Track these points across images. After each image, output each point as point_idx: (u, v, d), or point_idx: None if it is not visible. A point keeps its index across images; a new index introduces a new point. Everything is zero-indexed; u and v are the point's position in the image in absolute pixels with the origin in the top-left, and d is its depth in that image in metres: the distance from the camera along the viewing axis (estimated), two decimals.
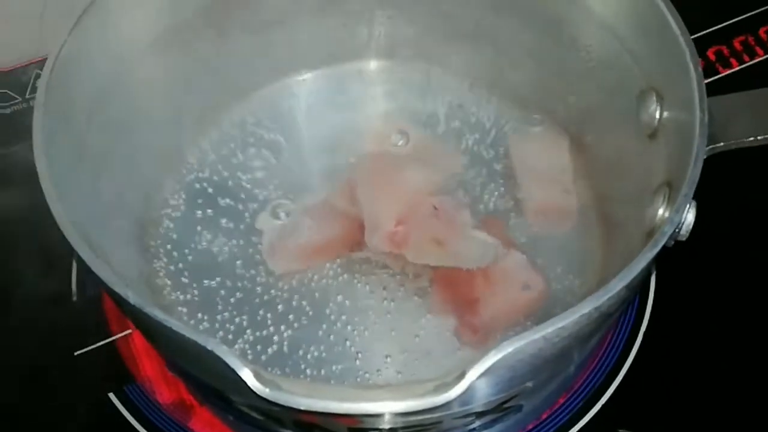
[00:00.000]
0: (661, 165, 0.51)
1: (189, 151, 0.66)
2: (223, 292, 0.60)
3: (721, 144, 0.50)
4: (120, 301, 0.42)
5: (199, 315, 0.59)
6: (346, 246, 0.60)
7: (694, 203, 0.45)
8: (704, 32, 0.78)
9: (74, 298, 0.63)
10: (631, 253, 0.44)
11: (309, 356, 0.57)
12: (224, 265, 0.61)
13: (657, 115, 0.53)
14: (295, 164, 0.66)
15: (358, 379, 0.56)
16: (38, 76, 0.69)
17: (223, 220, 0.63)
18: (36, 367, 0.61)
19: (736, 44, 0.77)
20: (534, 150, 0.65)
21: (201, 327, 0.58)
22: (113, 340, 0.61)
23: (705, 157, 0.46)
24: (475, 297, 0.57)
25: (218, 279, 0.60)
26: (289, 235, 0.60)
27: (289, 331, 0.58)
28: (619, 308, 0.45)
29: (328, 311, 0.59)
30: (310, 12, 0.66)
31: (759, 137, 0.51)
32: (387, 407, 0.38)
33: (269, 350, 0.57)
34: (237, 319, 0.59)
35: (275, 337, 0.58)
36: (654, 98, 0.53)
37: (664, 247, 0.44)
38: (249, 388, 0.38)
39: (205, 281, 0.60)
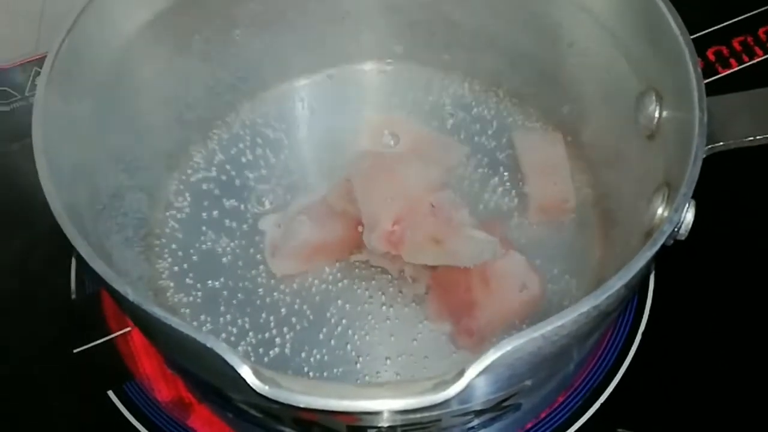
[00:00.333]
0: (660, 164, 0.51)
1: (196, 152, 0.66)
2: (226, 293, 0.60)
3: (720, 144, 0.50)
4: (119, 299, 0.42)
5: (202, 317, 0.59)
6: (345, 246, 0.61)
7: (693, 202, 0.45)
8: (704, 32, 0.78)
9: (73, 296, 0.64)
10: (631, 252, 0.44)
11: (311, 359, 0.57)
12: (228, 266, 0.61)
13: (656, 115, 0.53)
14: (298, 165, 0.66)
15: (358, 381, 0.56)
16: (38, 73, 0.69)
17: (227, 221, 0.63)
18: (35, 364, 0.61)
19: (736, 44, 0.77)
20: (534, 145, 0.65)
21: (204, 329, 0.58)
22: (112, 338, 0.62)
23: (704, 156, 0.46)
24: (472, 300, 0.57)
25: (222, 280, 0.60)
26: (290, 235, 0.60)
27: (291, 334, 0.58)
28: (618, 307, 0.45)
29: (328, 315, 0.59)
30: (313, 13, 0.66)
31: (758, 137, 0.51)
32: (386, 405, 0.38)
33: (272, 353, 0.57)
34: (240, 321, 0.59)
35: (277, 340, 0.58)
36: (653, 98, 0.53)
37: (663, 246, 0.44)
38: (248, 385, 0.38)
39: (209, 282, 0.60)
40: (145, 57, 0.59)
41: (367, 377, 0.57)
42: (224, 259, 0.62)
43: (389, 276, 0.60)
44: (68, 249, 0.44)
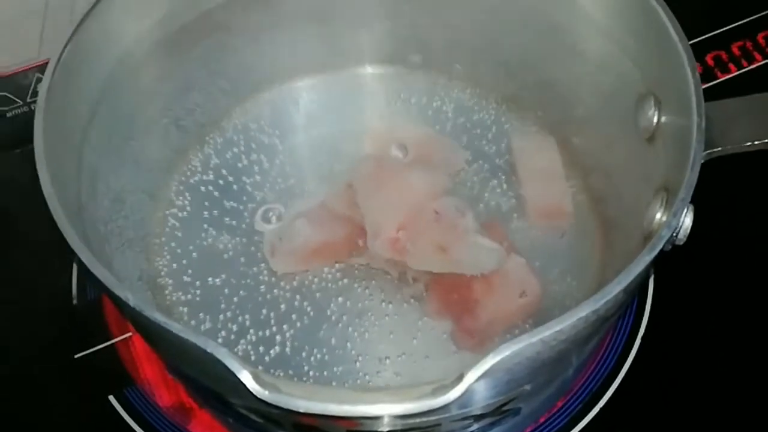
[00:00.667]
0: (659, 169, 0.52)
1: (193, 156, 0.66)
2: (226, 290, 0.60)
3: (719, 149, 0.50)
4: (120, 304, 0.43)
5: (201, 315, 0.59)
6: (344, 249, 0.61)
7: (691, 207, 0.45)
8: (703, 37, 0.78)
9: (74, 301, 0.64)
10: (630, 256, 0.44)
11: (312, 358, 0.57)
12: (228, 262, 0.61)
13: (655, 120, 0.53)
14: (295, 169, 0.66)
15: (358, 381, 0.57)
16: (39, 79, 0.70)
17: (227, 219, 0.63)
18: (36, 369, 0.61)
19: (735, 49, 0.77)
20: (530, 149, 0.65)
21: (203, 327, 0.58)
22: (113, 343, 0.62)
23: (702, 161, 0.46)
24: (472, 301, 0.57)
25: (222, 277, 0.61)
26: (289, 236, 0.61)
27: (292, 332, 0.58)
28: (616, 312, 0.46)
29: (329, 312, 0.59)
30: (311, 17, 0.66)
31: (756, 142, 0.51)
32: (385, 410, 0.38)
33: (272, 351, 0.58)
34: (240, 319, 0.59)
35: (278, 338, 0.58)
36: (652, 103, 0.53)
37: (662, 250, 0.44)
38: (248, 390, 0.38)
39: (209, 279, 0.61)
40: (145, 63, 0.59)
41: (366, 376, 0.57)
42: (225, 256, 0.62)
43: (389, 276, 0.60)
44: (69, 254, 0.44)
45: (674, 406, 0.58)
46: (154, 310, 0.41)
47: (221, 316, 0.59)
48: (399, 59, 0.70)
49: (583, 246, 0.61)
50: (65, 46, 0.52)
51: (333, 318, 0.59)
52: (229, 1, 0.62)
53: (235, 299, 0.60)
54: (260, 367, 0.55)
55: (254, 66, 0.67)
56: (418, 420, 0.41)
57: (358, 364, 0.57)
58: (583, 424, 0.57)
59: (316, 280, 0.60)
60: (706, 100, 0.48)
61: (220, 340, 0.57)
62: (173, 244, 0.62)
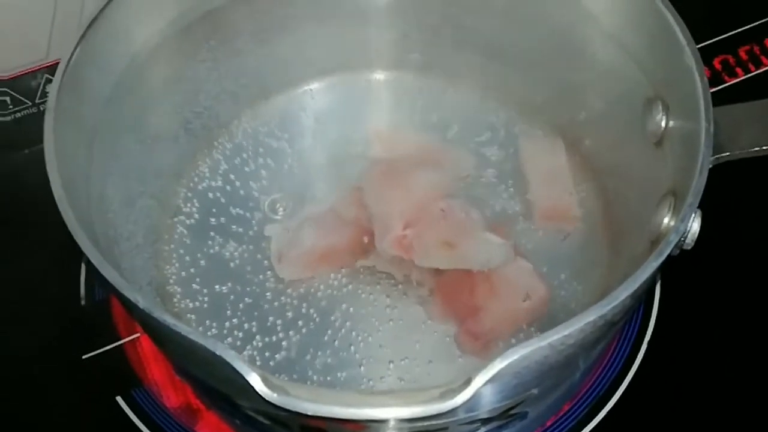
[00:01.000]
0: (666, 174, 0.52)
1: (201, 161, 0.66)
2: (232, 297, 0.60)
3: (727, 154, 0.50)
4: (129, 306, 0.43)
5: (208, 322, 0.59)
6: (351, 253, 0.61)
7: (699, 212, 0.45)
8: (710, 41, 0.78)
9: (83, 302, 0.64)
10: (636, 261, 0.44)
11: (316, 362, 0.57)
12: (235, 270, 0.61)
13: (663, 124, 0.53)
14: (303, 173, 0.66)
15: (362, 386, 0.57)
16: (48, 80, 0.70)
17: (234, 227, 0.63)
18: (44, 370, 0.61)
19: (742, 53, 0.77)
20: (537, 152, 0.65)
21: (210, 333, 0.59)
22: (121, 344, 0.62)
23: (710, 166, 0.46)
24: (477, 305, 0.57)
25: (229, 284, 0.61)
26: (296, 242, 0.61)
27: (297, 337, 0.58)
28: (624, 316, 0.46)
29: (333, 318, 0.59)
30: (319, 21, 0.66)
31: (764, 147, 0.51)
32: (393, 413, 0.38)
33: (277, 356, 0.58)
34: (246, 326, 0.59)
35: (284, 343, 0.58)
36: (660, 107, 0.53)
37: (669, 255, 0.44)
38: (257, 393, 0.38)
39: (216, 287, 0.61)
40: (154, 65, 0.59)
41: (371, 381, 0.57)
42: (232, 264, 0.62)
43: (393, 280, 0.60)
44: (78, 256, 0.44)
45: (681, 411, 0.58)
46: (163, 312, 0.41)
47: (227, 323, 0.59)
48: (407, 63, 0.70)
49: (589, 250, 0.61)
50: (75, 48, 0.52)
51: (337, 323, 0.59)
52: (236, 4, 0.62)
53: (242, 306, 0.60)
54: (266, 372, 0.56)
55: (262, 69, 0.67)
56: (425, 423, 0.41)
57: (362, 368, 0.57)
58: (590, 428, 0.57)
59: (321, 286, 0.60)
60: (713, 105, 0.48)
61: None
62: (182, 251, 0.62)
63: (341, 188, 0.64)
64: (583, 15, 0.59)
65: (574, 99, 0.63)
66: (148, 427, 0.58)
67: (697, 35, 0.51)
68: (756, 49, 0.77)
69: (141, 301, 0.41)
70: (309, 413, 0.38)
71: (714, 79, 0.75)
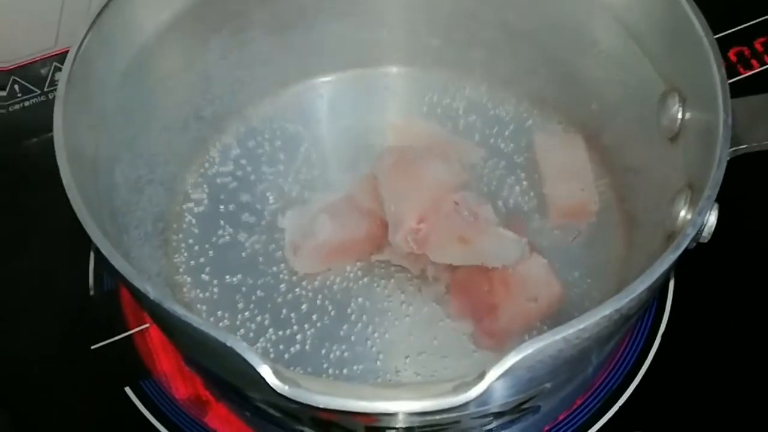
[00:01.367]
0: (682, 166, 0.51)
1: (212, 146, 0.66)
2: (244, 289, 0.60)
3: (744, 146, 0.49)
4: (139, 296, 0.42)
5: (219, 313, 0.59)
6: (367, 246, 0.60)
7: (716, 205, 0.45)
8: (725, 33, 0.77)
9: (91, 293, 0.64)
10: (652, 255, 0.43)
11: (331, 355, 0.57)
12: (246, 261, 0.61)
13: (679, 116, 0.52)
14: (318, 163, 0.66)
15: (379, 379, 0.56)
16: (57, 69, 0.70)
17: (245, 215, 0.63)
18: (53, 360, 0.61)
19: (757, 45, 0.77)
20: (554, 148, 0.65)
21: (221, 325, 0.58)
22: (130, 335, 0.62)
23: (728, 159, 0.45)
24: (493, 302, 0.57)
25: (239, 276, 0.60)
26: (311, 234, 0.60)
27: (312, 330, 0.58)
28: (639, 310, 0.45)
29: (349, 311, 0.59)
30: (332, 14, 0.66)
31: None
32: (405, 407, 0.38)
33: (292, 349, 0.57)
34: (259, 318, 0.59)
35: (298, 336, 0.58)
36: (676, 99, 0.53)
37: (686, 249, 0.43)
38: (268, 385, 0.38)
39: (227, 278, 0.60)
40: (164, 53, 0.59)
41: (387, 375, 0.56)
42: (243, 254, 0.61)
43: (409, 274, 0.60)
44: (86, 245, 0.44)
45: (694, 405, 0.58)
46: (173, 302, 0.40)
47: (239, 315, 0.59)
48: (420, 56, 0.69)
49: (605, 246, 0.60)
50: (85, 36, 0.51)
51: (353, 317, 0.59)
52: None
53: (254, 298, 0.59)
54: (279, 365, 0.55)
55: (274, 60, 0.67)
56: (438, 417, 0.41)
57: (378, 362, 0.57)
58: (603, 422, 0.57)
59: (337, 279, 0.60)
60: (730, 96, 0.47)
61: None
62: (191, 241, 0.62)
63: (356, 178, 0.63)
64: (598, 6, 0.58)
65: (589, 92, 0.63)
66: (156, 418, 0.58)
67: (712, 27, 0.50)
68: None
69: (151, 291, 0.41)
70: (321, 406, 0.38)
71: (729, 71, 0.74)
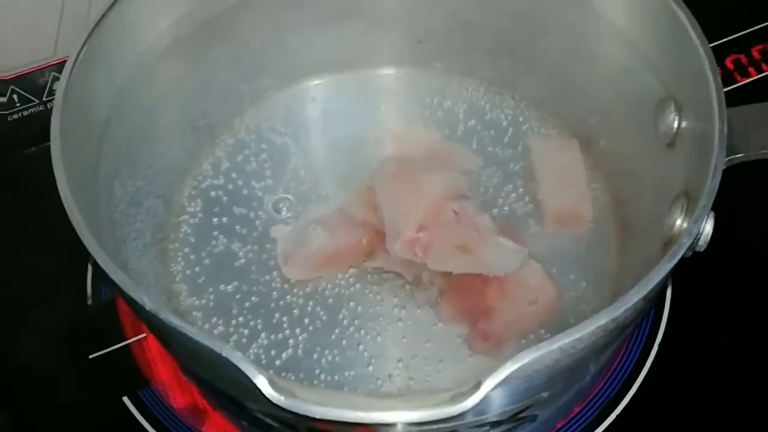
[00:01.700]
0: (679, 174, 0.51)
1: (204, 158, 0.66)
2: (238, 296, 0.60)
3: (740, 155, 0.49)
4: (136, 307, 0.42)
5: (214, 319, 0.59)
6: (359, 255, 0.61)
7: (712, 214, 0.45)
8: (722, 41, 0.77)
9: (89, 302, 0.64)
10: (649, 262, 0.43)
11: (323, 360, 0.57)
12: (240, 270, 0.61)
13: (675, 125, 0.52)
14: (311, 171, 0.66)
15: (371, 386, 0.56)
16: (55, 78, 0.70)
17: (238, 227, 0.63)
18: (51, 369, 0.61)
19: (755, 53, 0.77)
20: (550, 153, 0.65)
21: (215, 331, 0.58)
22: (128, 344, 0.62)
23: (724, 168, 0.45)
24: (488, 306, 0.57)
25: (235, 284, 0.60)
26: (303, 243, 0.60)
27: (304, 335, 0.58)
28: (635, 320, 0.45)
29: (341, 316, 0.59)
30: (328, 16, 0.66)
31: None
32: (401, 417, 0.38)
33: (284, 355, 0.57)
34: (252, 323, 0.59)
35: (290, 341, 0.58)
36: (672, 107, 0.53)
37: (682, 257, 0.43)
38: (263, 395, 0.38)
39: (221, 286, 0.60)
40: (162, 64, 0.59)
41: (379, 381, 0.56)
42: (237, 263, 0.62)
43: (402, 281, 0.60)
44: (84, 255, 0.44)
45: (691, 414, 0.58)
46: (169, 313, 0.40)
47: (233, 321, 0.59)
48: (416, 60, 0.69)
49: (601, 251, 0.60)
50: (83, 46, 0.51)
51: (345, 322, 0.59)
52: (243, 3, 0.62)
53: (247, 305, 0.60)
54: (271, 371, 0.56)
55: (270, 67, 0.67)
56: (434, 427, 0.41)
57: (370, 367, 0.57)
58: (600, 430, 0.57)
59: (329, 286, 0.60)
60: (726, 105, 0.47)
61: (231, 344, 0.57)
62: (187, 250, 0.62)
63: (350, 186, 0.63)
64: (595, 14, 0.58)
65: (585, 99, 0.63)
66: (154, 428, 0.58)
67: (709, 34, 0.50)
68: None
69: (148, 302, 0.41)
70: (317, 416, 0.38)
71: (726, 79, 0.74)
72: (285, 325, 0.59)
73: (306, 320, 0.59)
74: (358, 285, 0.60)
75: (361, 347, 0.58)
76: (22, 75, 0.70)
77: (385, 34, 0.68)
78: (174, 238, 0.63)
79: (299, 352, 0.58)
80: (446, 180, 0.61)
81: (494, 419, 0.45)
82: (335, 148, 0.67)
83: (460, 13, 0.65)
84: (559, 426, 0.57)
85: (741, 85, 0.75)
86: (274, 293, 0.60)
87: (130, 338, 0.62)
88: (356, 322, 0.59)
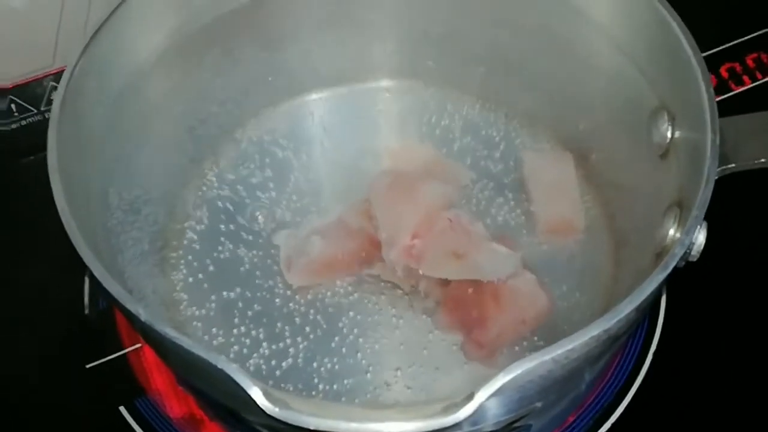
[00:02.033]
0: (672, 185, 0.51)
1: (207, 167, 0.66)
2: (241, 304, 0.60)
3: (733, 165, 0.50)
4: (131, 318, 0.43)
5: (214, 330, 0.59)
6: (358, 261, 0.61)
7: (705, 224, 0.45)
8: (717, 49, 0.77)
9: (86, 311, 0.64)
10: (641, 272, 0.44)
11: (322, 369, 0.57)
12: (245, 276, 0.61)
13: (668, 135, 0.53)
14: (311, 182, 0.66)
15: (368, 395, 0.56)
16: (54, 88, 0.70)
17: (243, 234, 0.63)
18: (47, 379, 0.61)
19: (749, 61, 0.77)
20: (543, 165, 0.65)
21: (216, 342, 0.58)
22: (124, 354, 0.62)
23: (716, 178, 0.46)
24: (482, 315, 0.57)
25: (238, 290, 0.61)
26: (304, 250, 0.61)
27: (305, 344, 0.58)
28: (628, 330, 0.45)
29: (341, 325, 0.59)
30: (325, 30, 0.66)
31: None
32: (395, 428, 0.38)
33: (284, 364, 0.57)
34: (253, 333, 0.59)
35: (291, 350, 0.58)
36: (665, 117, 0.53)
37: (675, 268, 0.44)
38: (258, 406, 0.38)
39: (224, 293, 0.60)
40: (158, 73, 0.59)
41: (377, 389, 0.57)
42: (241, 269, 0.62)
43: (400, 291, 0.60)
44: (81, 265, 0.44)
45: (686, 422, 0.58)
46: (165, 324, 0.41)
47: (235, 330, 0.59)
48: (411, 74, 0.70)
49: (594, 262, 0.61)
50: (80, 56, 0.52)
51: (345, 330, 0.59)
52: (238, 15, 0.62)
53: (250, 313, 0.60)
54: (271, 381, 0.56)
55: (266, 78, 0.67)
56: None
57: (368, 375, 0.57)
58: None
59: (329, 293, 0.60)
60: (720, 113, 0.47)
61: (232, 355, 0.57)
62: (190, 257, 0.62)
63: (349, 197, 0.64)
64: (588, 25, 0.59)
65: (579, 110, 0.63)
66: None
67: (703, 43, 0.50)
68: (763, 57, 0.77)
69: (143, 313, 0.41)
70: (311, 427, 0.38)
71: (721, 88, 0.75)
72: (287, 334, 0.59)
73: (307, 328, 0.59)
74: (357, 294, 0.61)
75: (359, 355, 0.58)
76: (20, 84, 0.70)
77: (381, 48, 0.68)
78: (177, 245, 0.63)
79: (299, 361, 0.58)
80: (440, 191, 0.61)
81: (488, 429, 0.45)
82: (334, 163, 0.68)
83: (455, 27, 0.65)
84: None
85: (735, 94, 0.75)
86: (277, 300, 0.60)
87: (127, 347, 0.62)
88: (355, 330, 0.59)
